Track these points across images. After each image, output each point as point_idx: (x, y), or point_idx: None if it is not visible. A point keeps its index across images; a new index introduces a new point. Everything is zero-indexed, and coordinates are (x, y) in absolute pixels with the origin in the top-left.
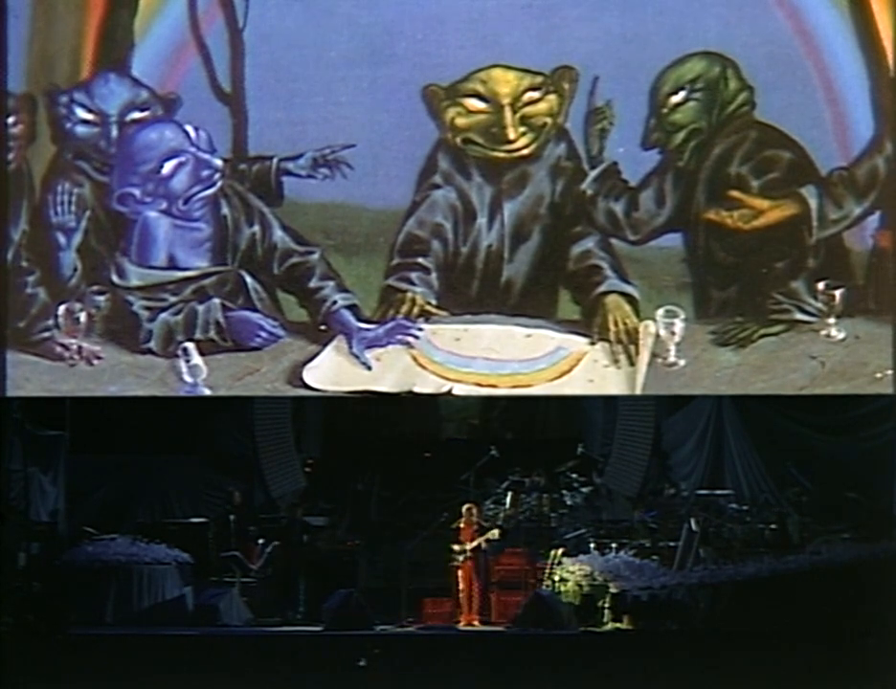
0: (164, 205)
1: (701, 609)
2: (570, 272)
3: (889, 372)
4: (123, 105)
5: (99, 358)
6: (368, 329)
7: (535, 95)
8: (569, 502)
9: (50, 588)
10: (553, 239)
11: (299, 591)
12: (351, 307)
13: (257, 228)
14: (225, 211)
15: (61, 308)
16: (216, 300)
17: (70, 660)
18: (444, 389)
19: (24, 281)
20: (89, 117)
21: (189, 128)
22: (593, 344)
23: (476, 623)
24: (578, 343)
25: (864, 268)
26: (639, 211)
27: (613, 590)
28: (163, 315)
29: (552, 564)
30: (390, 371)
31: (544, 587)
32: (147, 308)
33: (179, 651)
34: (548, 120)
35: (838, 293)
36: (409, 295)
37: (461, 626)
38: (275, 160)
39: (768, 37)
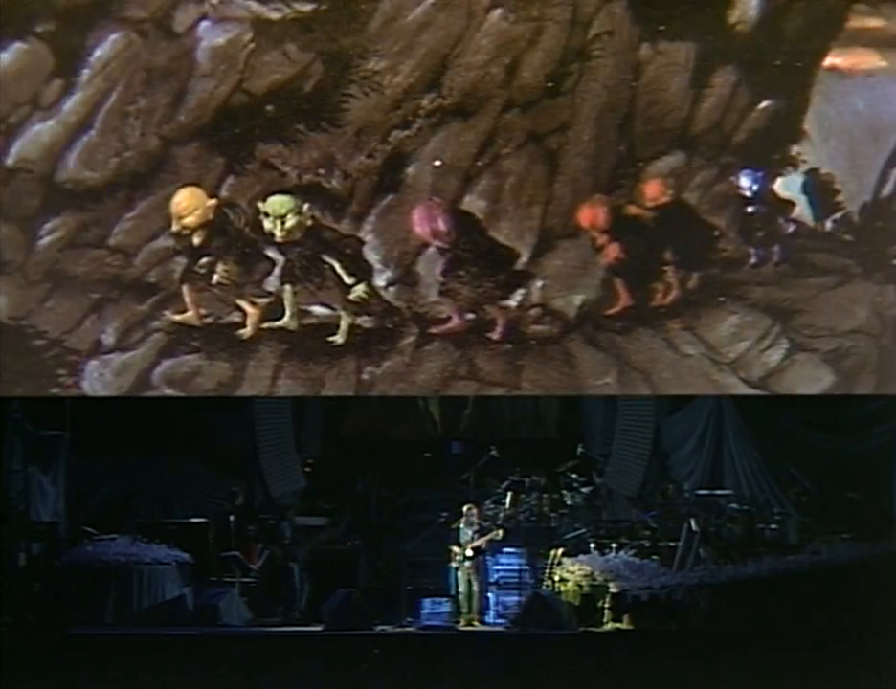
0: None
1: (701, 609)
2: None
3: None
4: None
5: None
6: None
7: None
8: (569, 502)
9: (50, 588)
10: None
11: (299, 591)
12: None
13: None
14: None
15: None
16: None
17: (70, 660)
18: None
19: None
20: None
21: None
22: None
23: (476, 623)
24: None
25: None
26: None
27: (613, 590)
28: None
29: (552, 564)
30: None
31: (544, 587)
32: None
33: (179, 651)
34: None
35: None
36: None
37: (461, 626)
38: None
39: None
